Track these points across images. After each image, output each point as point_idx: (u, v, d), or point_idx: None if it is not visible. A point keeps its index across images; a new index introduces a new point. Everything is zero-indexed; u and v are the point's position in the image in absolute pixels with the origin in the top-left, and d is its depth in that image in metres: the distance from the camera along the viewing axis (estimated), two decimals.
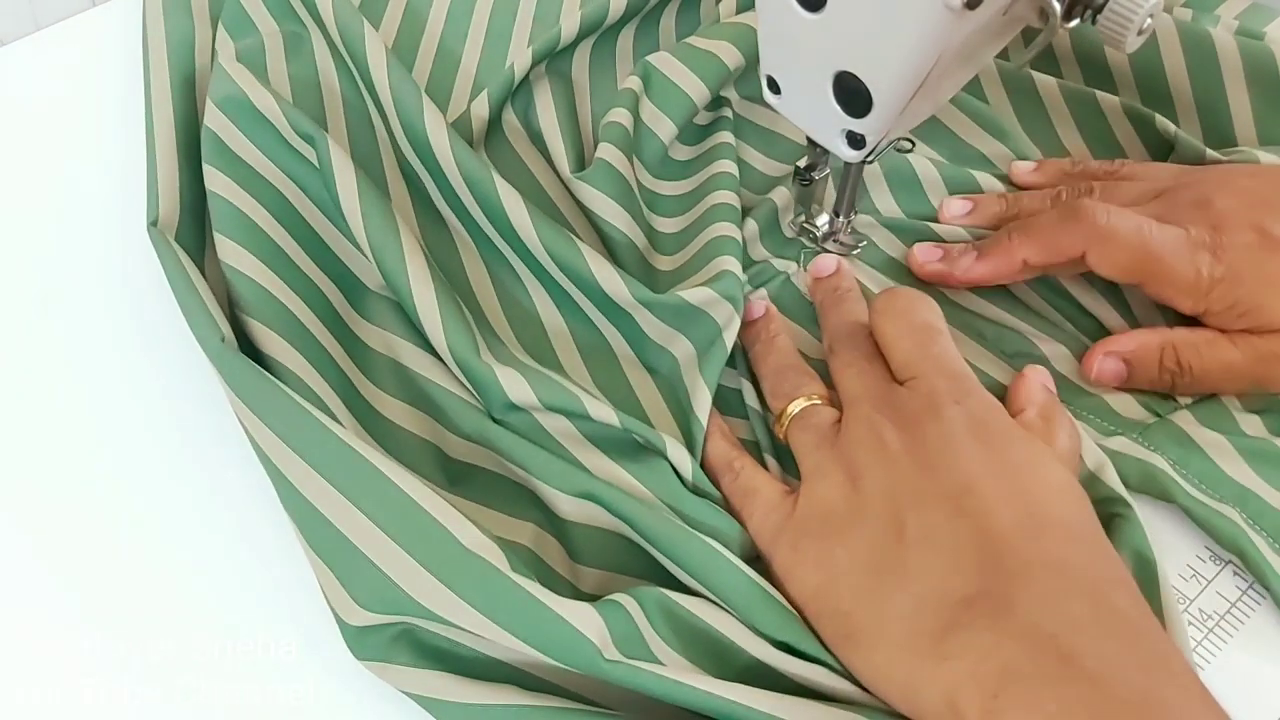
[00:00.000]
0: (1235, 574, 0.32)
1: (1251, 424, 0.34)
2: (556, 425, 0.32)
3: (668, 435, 0.32)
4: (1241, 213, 0.34)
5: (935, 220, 0.40)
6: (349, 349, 0.34)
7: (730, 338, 0.34)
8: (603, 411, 0.32)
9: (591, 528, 0.31)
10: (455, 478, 0.33)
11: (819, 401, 0.33)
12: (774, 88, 0.33)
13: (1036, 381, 0.33)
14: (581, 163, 0.41)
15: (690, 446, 0.33)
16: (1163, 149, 0.41)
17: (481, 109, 0.40)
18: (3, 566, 0.32)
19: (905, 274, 0.39)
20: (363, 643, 0.28)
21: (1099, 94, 0.42)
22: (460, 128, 0.40)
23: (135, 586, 0.32)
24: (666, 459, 0.32)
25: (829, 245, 0.39)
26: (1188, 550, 0.32)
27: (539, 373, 0.33)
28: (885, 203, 0.41)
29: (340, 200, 0.34)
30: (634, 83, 0.41)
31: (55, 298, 0.38)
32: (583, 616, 0.26)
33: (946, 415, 0.29)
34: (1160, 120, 0.40)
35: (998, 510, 0.27)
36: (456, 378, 0.34)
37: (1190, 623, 0.31)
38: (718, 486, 0.32)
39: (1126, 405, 0.35)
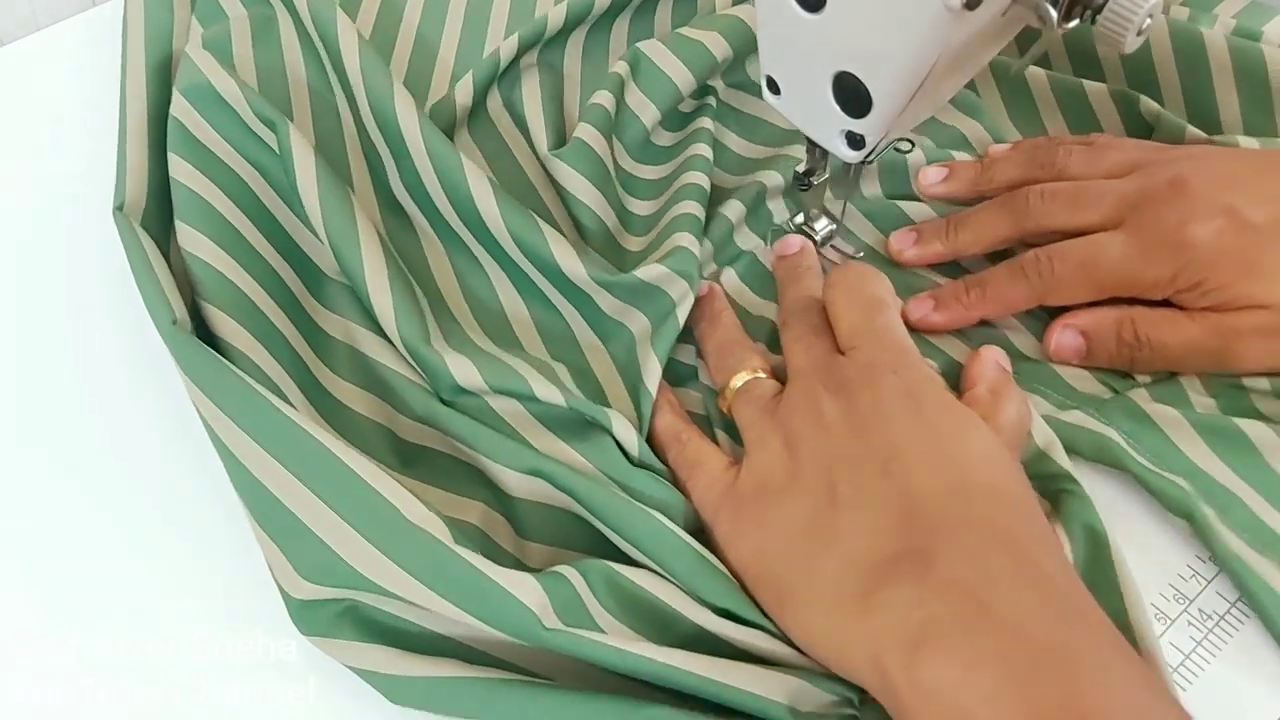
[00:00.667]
0: None
1: (1206, 407, 0.35)
2: (506, 407, 0.33)
3: (614, 413, 0.32)
4: (1214, 193, 0.34)
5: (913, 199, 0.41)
6: (307, 335, 0.35)
7: (683, 313, 0.35)
8: (549, 392, 0.32)
9: (539, 504, 0.32)
10: (407, 459, 0.33)
11: (762, 375, 0.33)
12: (774, 88, 0.33)
13: (990, 359, 0.33)
14: (561, 143, 0.41)
15: (639, 419, 0.34)
16: (1145, 134, 0.41)
17: (465, 92, 0.41)
18: (0, 566, 0.32)
19: (881, 261, 0.40)
20: (307, 617, 0.28)
21: (1085, 82, 0.43)
22: (443, 109, 0.40)
23: (135, 587, 0.32)
24: (613, 436, 0.32)
25: (828, 251, 0.39)
26: (1187, 550, 0.32)
27: (487, 356, 0.34)
28: (870, 188, 0.42)
29: (299, 186, 0.35)
30: (622, 68, 0.41)
31: (56, 299, 0.38)
32: (523, 586, 0.27)
33: (881, 384, 0.30)
34: (1145, 101, 0.41)
35: (923, 473, 0.28)
36: (409, 363, 0.34)
37: (1190, 623, 0.31)
38: (664, 459, 0.33)
39: (1084, 381, 0.36)
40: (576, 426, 0.33)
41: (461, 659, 0.28)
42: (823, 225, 0.38)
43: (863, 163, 0.33)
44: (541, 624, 0.26)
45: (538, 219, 0.36)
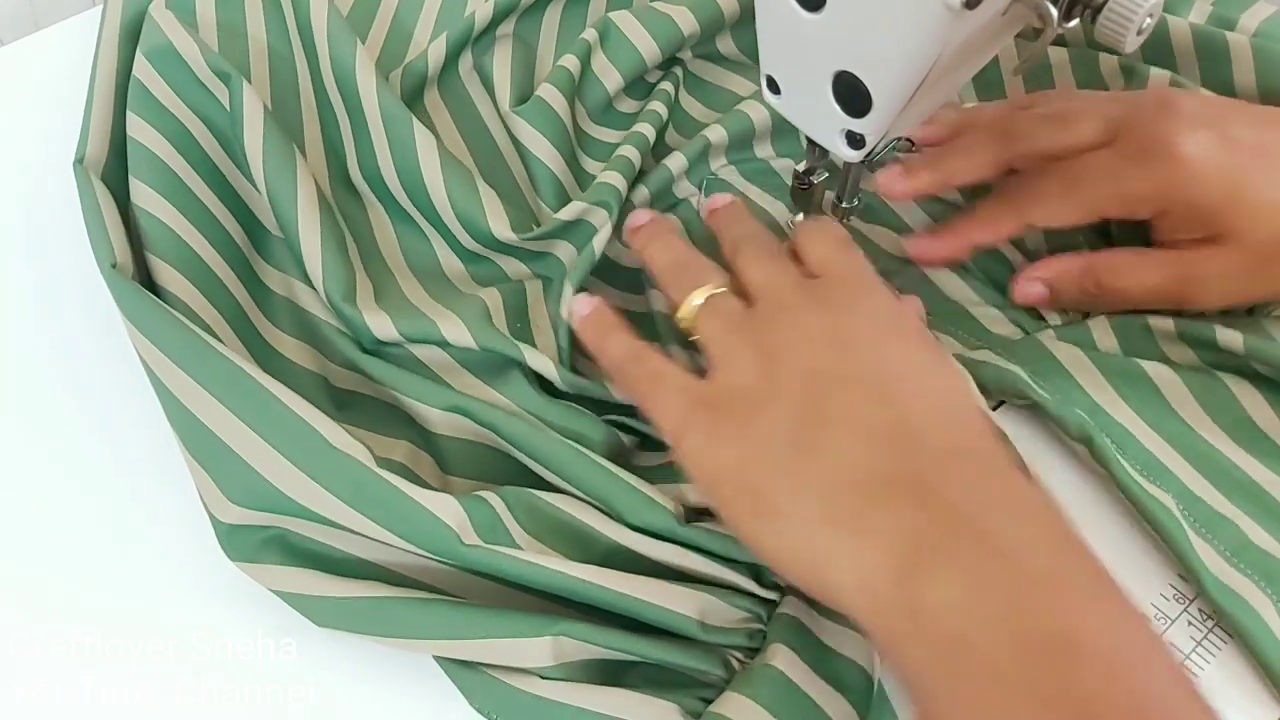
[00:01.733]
0: None
1: (1111, 348, 0.36)
2: (427, 354, 0.34)
3: (525, 346, 0.33)
4: (1202, 113, 0.34)
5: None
6: (250, 288, 0.36)
7: (600, 241, 0.36)
8: (460, 335, 0.33)
9: (461, 440, 0.33)
10: (339, 404, 0.34)
11: (725, 290, 0.32)
12: (773, 87, 0.33)
13: (908, 308, 0.34)
14: (524, 103, 0.42)
15: (560, 350, 0.35)
16: None
17: (438, 52, 0.41)
18: (0, 564, 0.32)
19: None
20: (235, 543, 0.30)
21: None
22: (415, 68, 0.41)
23: (135, 586, 0.32)
24: (527, 367, 0.33)
25: None
26: None
27: (407, 308, 0.35)
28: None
29: (244, 138, 0.35)
30: (591, 34, 0.42)
31: (56, 296, 0.38)
32: (443, 505, 0.28)
33: (864, 306, 0.30)
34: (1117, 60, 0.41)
35: (917, 400, 0.28)
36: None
37: (1190, 622, 0.31)
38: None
39: (997, 324, 0.37)
40: (495, 367, 0.34)
41: (383, 582, 0.29)
42: None
43: (863, 162, 0.33)
44: (460, 540, 0.27)
45: (480, 189, 0.37)
